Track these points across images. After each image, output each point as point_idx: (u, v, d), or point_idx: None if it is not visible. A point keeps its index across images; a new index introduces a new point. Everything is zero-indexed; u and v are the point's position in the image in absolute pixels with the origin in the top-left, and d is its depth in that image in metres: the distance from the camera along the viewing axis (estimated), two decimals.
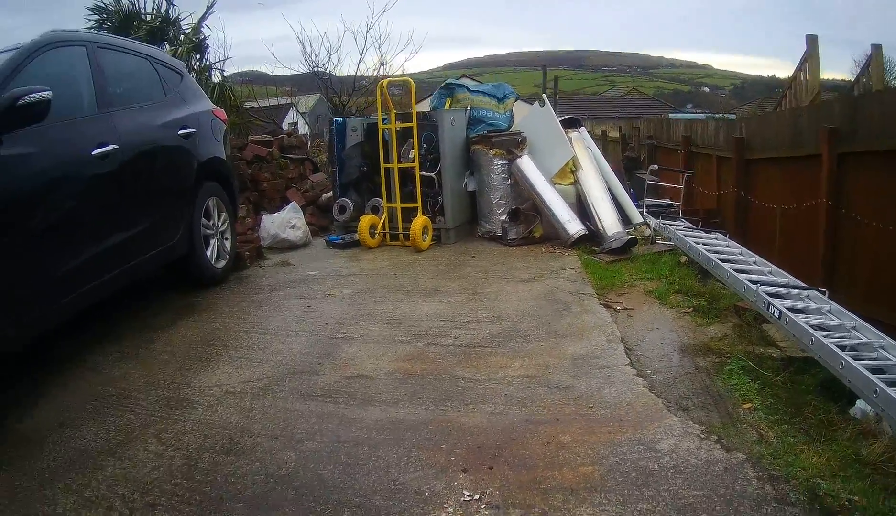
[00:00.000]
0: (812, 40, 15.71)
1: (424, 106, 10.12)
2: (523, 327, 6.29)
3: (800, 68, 16.28)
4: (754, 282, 6.08)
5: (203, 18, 14.71)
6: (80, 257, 5.57)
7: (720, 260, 7.05)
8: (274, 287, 8.08)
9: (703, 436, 4.12)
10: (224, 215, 8.36)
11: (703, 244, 7.87)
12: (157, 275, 7.82)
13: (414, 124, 9.86)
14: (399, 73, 18.93)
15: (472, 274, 8.33)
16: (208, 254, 7.95)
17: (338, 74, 18.41)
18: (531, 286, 7.66)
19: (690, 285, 7.36)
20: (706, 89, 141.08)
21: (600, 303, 6.93)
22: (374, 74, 18.64)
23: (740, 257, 7.54)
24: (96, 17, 13.61)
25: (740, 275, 6.39)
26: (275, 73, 20.43)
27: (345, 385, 5.17)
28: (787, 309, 5.42)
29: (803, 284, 6.46)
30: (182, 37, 14.21)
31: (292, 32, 18.14)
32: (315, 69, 18.08)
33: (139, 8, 14.31)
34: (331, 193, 11.79)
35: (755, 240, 9.83)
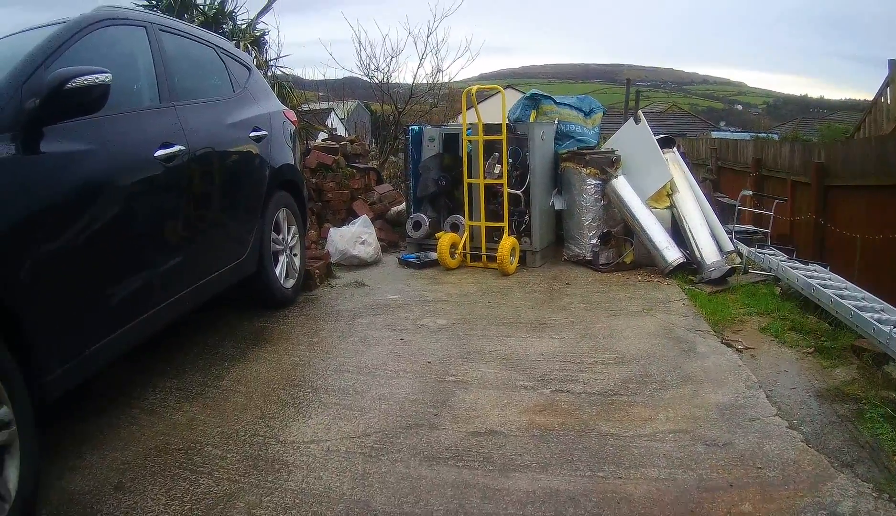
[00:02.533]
0: (895, 65, 14.93)
1: (485, 112, 9.41)
2: (654, 371, 5.68)
3: (881, 93, 15.53)
4: (880, 322, 5.68)
5: (262, 13, 14.06)
6: (138, 280, 4.77)
7: (838, 297, 6.64)
8: (354, 313, 7.38)
9: (875, 495, 3.78)
10: (294, 229, 7.66)
11: (807, 277, 7.48)
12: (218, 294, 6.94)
13: (504, 137, 9.18)
14: (447, 79, 18.31)
15: (574, 304, 7.69)
16: (277, 271, 7.25)
17: (393, 81, 17.75)
18: (644, 321, 7.06)
19: (802, 322, 6.85)
20: (739, 107, 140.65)
21: (722, 342, 6.40)
22: (430, 81, 17.96)
23: (848, 292, 7.05)
24: (145, 1, 12.72)
25: (865, 314, 5.97)
26: (307, 78, 19.71)
27: (475, 444, 4.46)
28: None
29: None
30: (240, 33, 13.50)
31: (339, 36, 17.50)
32: (371, 72, 17.44)
33: None
34: (400, 207, 11.21)
35: (833, 267, 9.19)
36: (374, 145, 19.04)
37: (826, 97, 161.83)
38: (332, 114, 27.01)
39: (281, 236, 7.32)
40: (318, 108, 21.49)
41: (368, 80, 17.72)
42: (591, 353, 6.10)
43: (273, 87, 13.56)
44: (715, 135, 33.65)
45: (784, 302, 7.66)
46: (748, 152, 16.94)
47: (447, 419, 4.82)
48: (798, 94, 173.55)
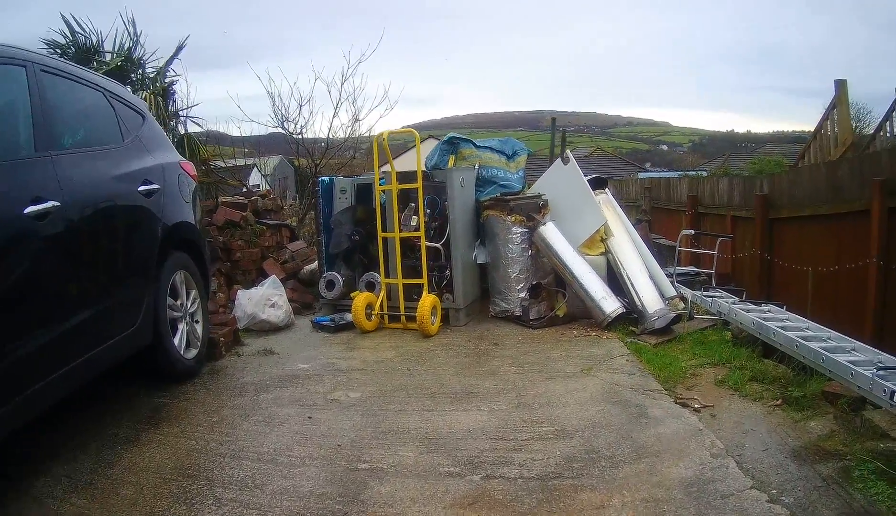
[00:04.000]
0: (841, 85, 14.56)
1: (405, 163, 8.75)
2: (602, 444, 4.93)
3: (826, 117, 15.19)
4: (854, 364, 5.24)
5: (170, 61, 13.24)
6: (7, 356, 4.05)
7: (802, 339, 6.12)
8: (260, 386, 6.53)
9: None
10: (194, 293, 6.86)
11: (762, 319, 6.95)
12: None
13: (419, 185, 8.44)
14: (369, 131, 17.70)
15: (503, 368, 6.92)
16: (176, 341, 6.40)
17: (308, 134, 17.14)
18: (584, 383, 6.33)
19: (762, 370, 6.38)
20: (664, 147, 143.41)
21: (676, 402, 5.76)
22: (347, 134, 17.34)
23: (812, 333, 6.53)
24: (47, 50, 11.95)
25: (836, 356, 5.47)
26: (234, 134, 19.18)
27: None
28: None
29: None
30: (147, 81, 12.68)
31: (256, 92, 16.94)
32: (285, 124, 16.76)
33: (99, 43, 12.74)
34: (314, 265, 10.43)
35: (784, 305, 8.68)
36: (296, 200, 18.50)
37: (753, 131, 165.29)
38: (255, 170, 26.40)
39: (179, 302, 6.55)
40: (241, 164, 20.87)
41: (284, 132, 17.03)
42: (527, 427, 5.32)
43: (182, 140, 12.78)
44: (641, 175, 33.54)
45: (738, 348, 7.17)
46: (682, 190, 16.59)
47: None
48: (724, 130, 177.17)
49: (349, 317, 8.65)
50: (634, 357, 7.08)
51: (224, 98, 20.93)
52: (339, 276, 9.30)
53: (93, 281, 5.12)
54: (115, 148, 5.91)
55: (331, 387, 6.46)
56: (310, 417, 5.67)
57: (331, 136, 17.08)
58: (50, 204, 4.50)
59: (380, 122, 17.78)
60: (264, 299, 8.82)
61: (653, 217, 18.30)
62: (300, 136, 16.81)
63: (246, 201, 11.65)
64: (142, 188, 5.92)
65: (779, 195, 11.25)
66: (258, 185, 23.85)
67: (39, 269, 4.48)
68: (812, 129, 16.60)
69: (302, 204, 17.19)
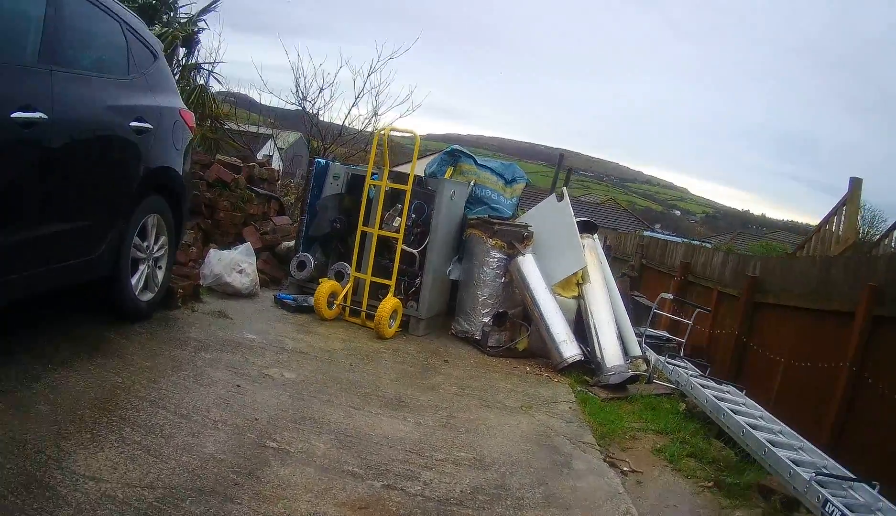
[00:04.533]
0: (855, 183, 14.30)
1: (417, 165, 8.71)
2: (514, 483, 4.82)
3: (833, 212, 14.99)
4: (797, 463, 5.26)
5: (204, 11, 13.15)
6: None
7: (750, 426, 6.08)
8: (203, 344, 6.44)
9: None
10: (163, 239, 6.78)
11: (718, 399, 6.90)
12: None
13: (408, 188, 8.38)
14: (382, 126, 17.55)
15: (445, 385, 6.84)
16: (134, 281, 6.32)
17: (325, 118, 17.05)
18: (519, 419, 6.23)
19: (704, 448, 6.27)
20: (678, 212, 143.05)
21: (605, 460, 5.64)
22: (364, 127, 17.27)
23: (763, 422, 6.51)
24: None
25: (779, 452, 5.41)
26: (262, 102, 19.09)
27: None
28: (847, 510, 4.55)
29: (846, 472, 5.46)
30: (176, 24, 12.59)
31: (285, 64, 16.85)
32: (303, 103, 16.66)
33: None
34: (292, 243, 10.27)
35: (750, 390, 8.54)
36: (303, 180, 18.43)
37: (768, 215, 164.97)
38: (271, 141, 26.35)
39: (146, 243, 6.46)
40: (255, 132, 20.86)
41: (301, 110, 16.94)
42: (446, 448, 5.22)
43: (195, 91, 12.69)
44: (647, 235, 33.41)
45: (687, 422, 7.04)
46: (677, 255, 16.40)
47: (248, 493, 3.93)
48: (740, 209, 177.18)
49: (311, 300, 8.57)
50: (578, 406, 6.97)
51: (254, 64, 20.87)
52: (311, 259, 9.22)
53: (63, 199, 5.08)
54: (118, 79, 5.86)
55: (269, 363, 6.38)
56: (238, 385, 5.59)
57: (347, 124, 17.01)
58: (38, 114, 4.49)
59: (399, 122, 17.64)
60: (234, 263, 8.72)
61: (642, 275, 18.21)
62: (315, 116, 16.70)
63: (241, 165, 11.55)
64: (133, 124, 5.85)
65: (769, 279, 11.08)
66: (270, 156, 23.75)
67: (15, 174, 4.50)
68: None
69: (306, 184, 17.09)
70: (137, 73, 6.15)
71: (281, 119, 22.63)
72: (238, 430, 4.74)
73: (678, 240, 28.07)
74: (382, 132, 8.56)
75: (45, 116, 4.55)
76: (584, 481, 5.09)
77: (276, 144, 27.84)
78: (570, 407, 6.88)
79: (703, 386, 7.37)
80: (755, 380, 9.57)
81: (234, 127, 17.21)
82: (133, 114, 5.87)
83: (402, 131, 9.62)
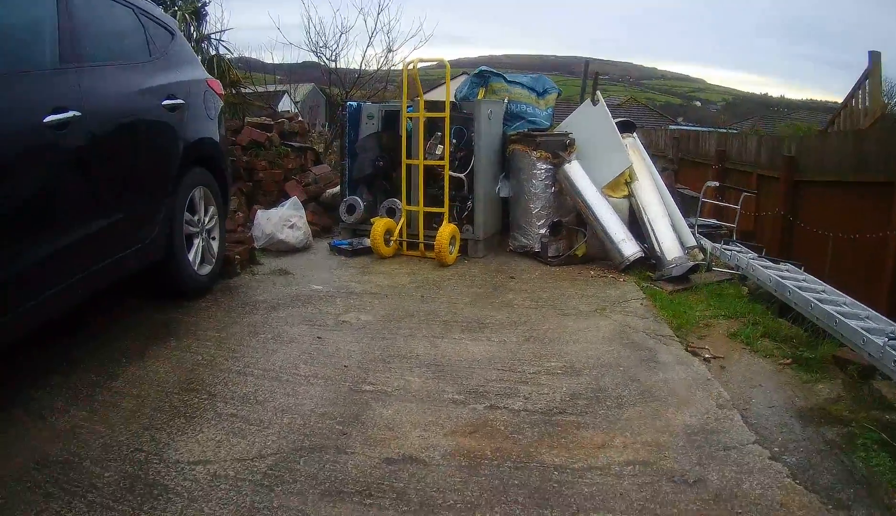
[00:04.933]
0: (875, 57, 14.12)
1: (437, 94, 8.65)
2: (608, 384, 4.86)
3: (858, 87, 14.78)
4: (868, 331, 5.08)
5: None
6: (19, 262, 4.03)
7: (818, 300, 5.99)
8: (272, 305, 6.50)
9: None
10: (212, 210, 6.79)
11: (780, 278, 6.80)
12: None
13: (447, 114, 8.35)
14: (399, 63, 17.48)
15: (518, 301, 6.87)
16: (191, 257, 6.36)
17: (341, 64, 17.03)
18: (597, 322, 6.27)
19: (775, 328, 6.18)
20: (698, 103, 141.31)
21: (686, 350, 5.64)
22: (380, 65, 17.22)
23: (827, 296, 6.37)
24: None
25: (850, 322, 5.33)
26: (266, 61, 19.10)
27: (388, 474, 3.61)
28: None
29: None
30: (181, 1, 12.52)
31: (292, 21, 16.80)
32: (319, 50, 16.62)
33: None
34: (336, 189, 10.34)
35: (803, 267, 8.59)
36: (325, 128, 18.40)
37: (787, 97, 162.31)
38: (286, 96, 26.28)
39: (196, 217, 6.48)
40: (267, 91, 20.85)
41: (317, 59, 16.91)
42: (535, 360, 5.27)
43: (212, 62, 12.66)
44: (672, 128, 33.15)
45: (753, 304, 6.99)
46: (711, 144, 16.29)
47: (357, 440, 3.97)
48: (759, 93, 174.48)
49: (367, 242, 8.62)
50: (649, 301, 7.00)
51: (259, 27, 20.82)
52: (360, 201, 9.23)
53: (109, 192, 5.07)
54: (142, 63, 5.83)
55: (342, 309, 6.43)
56: (319, 337, 5.65)
57: (364, 67, 16.96)
58: (71, 114, 4.44)
59: (413, 55, 17.59)
60: (283, 220, 8.78)
61: (679, 168, 18.09)
62: (333, 64, 16.65)
63: (272, 123, 11.58)
64: (165, 102, 5.85)
65: (805, 158, 11.02)
66: (288, 111, 23.82)
67: (57, 178, 4.47)
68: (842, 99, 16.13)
69: (331, 131, 17.04)
70: (159, 54, 6.11)
71: (289, 73, 22.60)
72: (331, 381, 4.80)
73: (706, 130, 27.87)
74: (411, 64, 8.48)
75: (78, 113, 4.52)
76: (672, 372, 5.13)
77: (292, 99, 27.77)
78: (641, 304, 6.91)
79: (764, 267, 7.31)
80: (805, 258, 9.56)
81: (251, 90, 17.23)
82: (163, 93, 5.87)
83: (430, 60, 9.59)
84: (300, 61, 19.37)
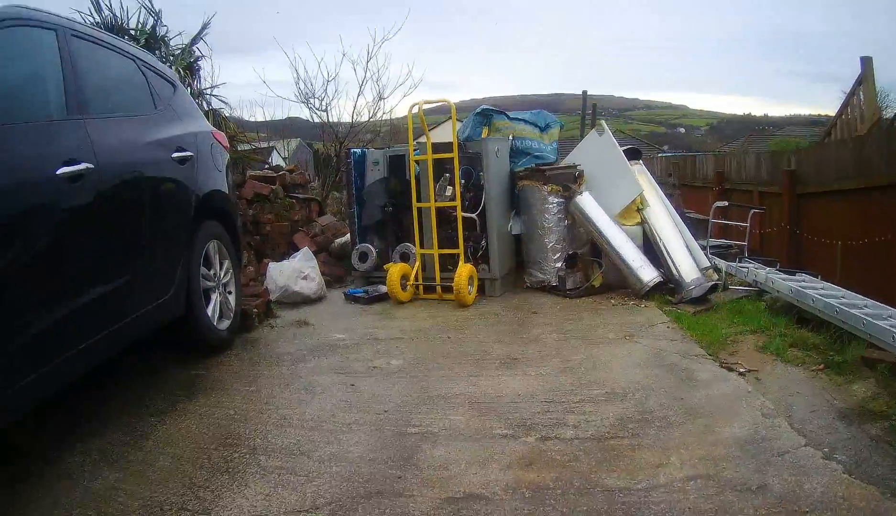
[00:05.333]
0: (867, 62, 14.25)
1: (435, 138, 8.65)
2: (653, 405, 4.87)
3: (852, 93, 14.88)
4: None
5: (196, 40, 13.02)
6: (35, 325, 3.88)
7: (844, 306, 6.05)
8: (297, 356, 6.42)
9: None
10: (227, 263, 6.73)
11: (800, 287, 6.95)
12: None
13: (455, 155, 8.36)
14: (389, 113, 17.69)
15: (545, 335, 6.85)
16: (209, 311, 6.27)
17: (331, 118, 17.10)
18: (628, 348, 6.30)
19: (802, 337, 6.32)
20: (682, 129, 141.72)
21: (721, 366, 5.70)
22: (372, 114, 17.28)
23: (848, 300, 6.43)
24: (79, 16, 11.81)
25: (879, 322, 5.42)
26: (248, 119, 19.17)
27: (453, 513, 3.55)
28: None
29: None
30: (172, 57, 12.53)
31: (281, 77, 16.95)
32: (309, 101, 16.71)
33: (123, 20, 12.55)
34: (344, 239, 10.34)
35: None
36: (316, 181, 18.46)
37: (770, 114, 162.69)
38: (274, 152, 26.38)
39: (212, 271, 6.42)
40: (259, 146, 20.94)
41: (308, 108, 16.98)
42: (576, 390, 5.25)
43: (208, 117, 12.69)
44: (668, 155, 33.36)
45: (775, 317, 7.05)
46: (708, 167, 16.45)
47: (414, 483, 3.90)
48: (741, 114, 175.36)
49: (383, 288, 8.59)
50: (675, 324, 7.01)
51: (246, 84, 20.95)
52: (372, 248, 9.24)
53: (126, 247, 4.98)
54: (148, 115, 5.77)
55: (371, 356, 6.37)
56: (352, 385, 5.58)
57: (355, 119, 17.06)
58: (83, 165, 4.35)
59: (404, 101, 17.71)
60: (297, 272, 8.74)
61: (680, 194, 18.20)
62: (324, 112, 16.74)
63: (275, 175, 11.58)
64: (175, 155, 5.78)
65: (806, 170, 11.12)
66: (284, 165, 23.92)
67: (72, 233, 4.34)
68: (831, 112, 16.28)
69: (325, 184, 17.08)
70: (163, 106, 6.07)
71: (275, 130, 22.73)
72: (374, 426, 4.72)
73: (700, 154, 28.08)
74: (416, 105, 8.50)
75: (91, 165, 4.43)
76: (712, 389, 5.17)
77: (280, 154, 27.89)
78: (667, 327, 6.94)
79: (782, 279, 7.39)
80: (814, 268, 9.60)
81: (248, 146, 17.28)
82: (172, 145, 5.81)
83: (435, 101, 9.62)
84: (284, 117, 19.44)
